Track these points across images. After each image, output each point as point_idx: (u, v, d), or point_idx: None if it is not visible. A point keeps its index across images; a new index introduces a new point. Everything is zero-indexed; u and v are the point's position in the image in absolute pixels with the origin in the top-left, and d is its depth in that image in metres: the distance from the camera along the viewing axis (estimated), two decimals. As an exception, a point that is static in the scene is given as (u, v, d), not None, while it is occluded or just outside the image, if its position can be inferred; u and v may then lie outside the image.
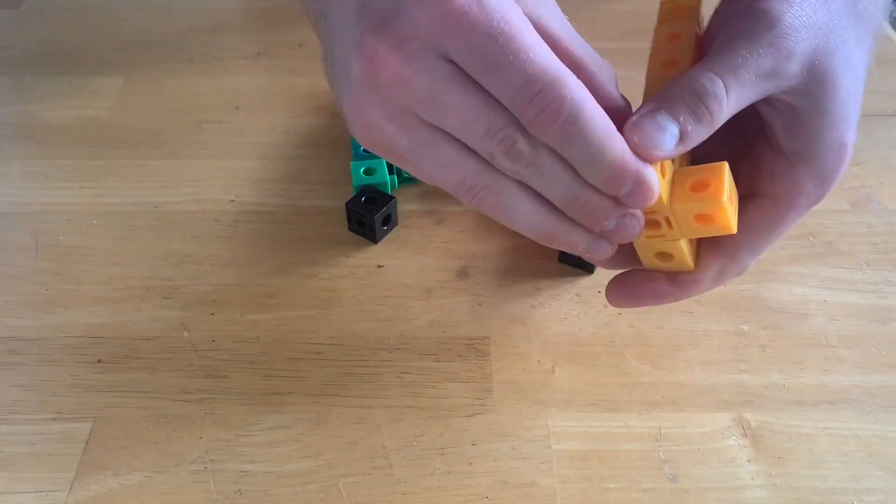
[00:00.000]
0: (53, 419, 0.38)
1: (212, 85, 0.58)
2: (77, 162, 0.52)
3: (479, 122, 0.27)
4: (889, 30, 0.63)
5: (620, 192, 0.28)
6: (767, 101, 0.31)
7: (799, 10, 0.29)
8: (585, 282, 0.44)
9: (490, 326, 0.42)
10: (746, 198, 0.33)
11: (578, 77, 0.27)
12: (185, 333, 0.42)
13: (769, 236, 0.33)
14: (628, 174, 0.27)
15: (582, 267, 0.45)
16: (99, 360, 0.40)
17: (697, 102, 0.28)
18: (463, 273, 0.45)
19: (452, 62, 0.26)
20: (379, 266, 0.45)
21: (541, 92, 0.25)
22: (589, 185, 0.28)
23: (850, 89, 0.30)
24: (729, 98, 0.29)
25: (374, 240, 0.46)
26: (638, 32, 0.62)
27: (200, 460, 0.36)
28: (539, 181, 0.28)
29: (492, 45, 0.25)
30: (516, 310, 0.43)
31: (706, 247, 0.34)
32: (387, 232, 0.46)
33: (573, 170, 0.28)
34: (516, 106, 0.26)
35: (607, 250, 0.31)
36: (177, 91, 0.58)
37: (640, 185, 0.28)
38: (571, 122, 0.26)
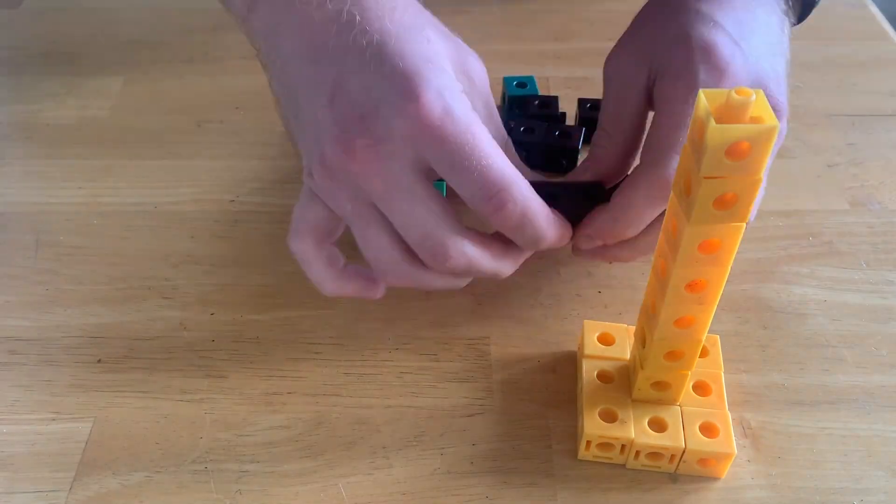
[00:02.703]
0: (53, 419, 0.38)
1: (212, 85, 0.58)
2: (77, 162, 0.52)
3: (418, 228, 0.32)
4: (888, 27, 0.63)
5: (540, 246, 0.35)
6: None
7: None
8: (585, 282, 0.44)
9: (490, 326, 0.42)
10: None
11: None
12: (185, 333, 0.42)
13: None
14: (558, 239, 0.35)
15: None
16: (99, 360, 0.40)
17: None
18: (463, 273, 0.45)
19: (417, 165, 0.31)
20: (379, 266, 0.45)
21: (498, 193, 0.31)
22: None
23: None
24: None
25: None
26: (638, 32, 0.62)
27: (200, 460, 0.36)
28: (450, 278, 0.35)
29: (460, 152, 0.30)
30: (516, 310, 0.43)
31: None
32: None
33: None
34: (476, 201, 0.31)
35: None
36: (177, 91, 0.57)
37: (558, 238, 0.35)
38: (521, 216, 0.32)
